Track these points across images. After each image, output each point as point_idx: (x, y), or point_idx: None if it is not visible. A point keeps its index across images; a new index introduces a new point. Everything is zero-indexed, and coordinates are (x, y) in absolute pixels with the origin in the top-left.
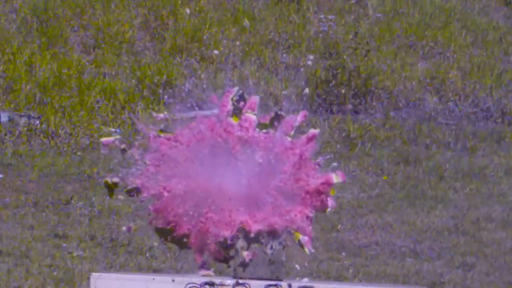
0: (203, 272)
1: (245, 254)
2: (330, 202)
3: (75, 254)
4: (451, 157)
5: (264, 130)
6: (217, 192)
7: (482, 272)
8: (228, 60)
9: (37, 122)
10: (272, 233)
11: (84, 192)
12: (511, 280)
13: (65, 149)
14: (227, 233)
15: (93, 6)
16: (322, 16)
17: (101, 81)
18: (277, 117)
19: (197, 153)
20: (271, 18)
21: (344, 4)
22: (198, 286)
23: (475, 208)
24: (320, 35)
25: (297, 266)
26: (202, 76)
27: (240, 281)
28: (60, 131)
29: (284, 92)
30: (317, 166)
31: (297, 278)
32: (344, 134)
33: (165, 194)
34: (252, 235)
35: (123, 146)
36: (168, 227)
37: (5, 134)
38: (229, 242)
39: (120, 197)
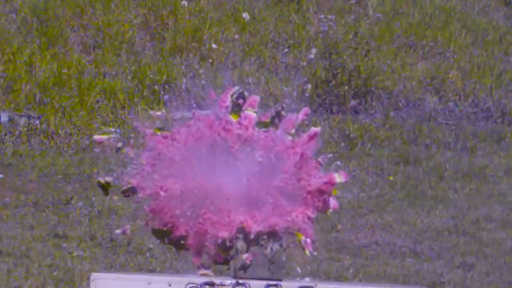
0: (202, 271)
1: (245, 256)
2: (333, 202)
3: (75, 254)
4: (451, 157)
5: (264, 129)
6: (216, 192)
7: (482, 272)
8: (228, 60)
9: (37, 122)
10: (273, 234)
11: (84, 192)
12: (511, 280)
13: (65, 149)
14: (225, 234)
15: (93, 6)
16: (322, 16)
17: (101, 81)
18: (278, 115)
19: (195, 152)
20: (271, 18)
21: (344, 4)
22: (198, 286)
23: (475, 208)
24: (320, 35)
25: (298, 269)
26: (202, 76)
27: (240, 281)
28: (60, 131)
29: (285, 89)
30: (318, 166)
31: (297, 278)
32: (344, 134)
33: (162, 194)
34: (252, 236)
35: (119, 144)
36: (165, 229)
37: (5, 134)
38: (228, 243)
39: (115, 197)
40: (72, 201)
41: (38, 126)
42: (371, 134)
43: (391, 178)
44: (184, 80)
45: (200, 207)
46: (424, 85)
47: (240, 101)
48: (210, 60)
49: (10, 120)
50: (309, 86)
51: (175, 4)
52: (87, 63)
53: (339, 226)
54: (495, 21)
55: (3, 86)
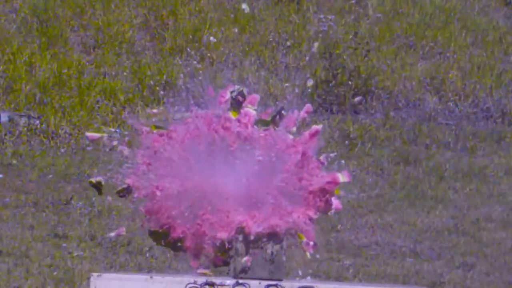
0: (201, 270)
1: (245, 259)
2: (335, 203)
3: (75, 254)
4: (451, 157)
5: (264, 127)
6: (214, 192)
7: (482, 272)
8: (228, 60)
9: (37, 122)
10: (273, 236)
11: (84, 192)
12: (511, 280)
13: (65, 149)
14: (224, 235)
15: (93, 6)
16: (322, 16)
17: (101, 81)
18: (279, 114)
19: (192, 150)
20: (271, 18)
21: (344, 4)
22: (198, 286)
23: (475, 208)
24: (320, 35)
25: (299, 272)
26: (202, 76)
27: (240, 281)
28: (60, 131)
29: (286, 84)
30: (320, 165)
31: (297, 278)
32: (344, 134)
33: (158, 194)
34: (251, 237)
35: (114, 143)
36: (162, 230)
37: (5, 134)
38: (227, 245)
39: (109, 198)
40: (72, 201)
41: (38, 126)
42: (371, 134)
43: (396, 176)
44: (182, 78)
45: (198, 207)
46: (424, 85)
47: (240, 98)
48: (210, 60)
49: (10, 120)
50: (311, 81)
51: (175, 4)
52: (87, 63)
53: (339, 226)
54: (495, 21)
55: (3, 86)
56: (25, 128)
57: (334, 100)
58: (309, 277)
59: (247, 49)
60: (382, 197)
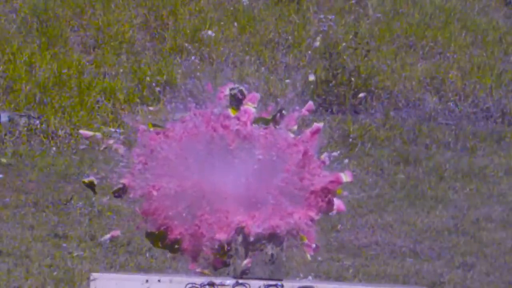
0: (200, 269)
1: (246, 262)
2: (338, 203)
3: (75, 254)
4: (451, 157)
5: (264, 126)
6: (213, 192)
7: (482, 272)
8: (228, 60)
9: (37, 122)
10: (273, 237)
11: (84, 192)
12: (511, 280)
13: (65, 149)
14: (223, 236)
15: (93, 6)
16: (322, 16)
17: (101, 81)
18: (280, 112)
19: (190, 149)
20: (271, 18)
21: (344, 4)
22: (198, 286)
23: (475, 208)
24: (320, 35)
25: (301, 274)
26: (202, 76)
27: (240, 281)
28: (60, 131)
29: (287, 81)
30: (322, 164)
31: (297, 278)
32: (344, 134)
33: (155, 194)
34: (251, 238)
35: (110, 141)
36: (159, 232)
37: (5, 134)
38: (226, 246)
39: (105, 199)
40: (72, 201)
41: (38, 126)
42: (371, 134)
43: (396, 176)
44: (182, 78)
45: (196, 208)
46: (424, 85)
47: (240, 96)
48: (210, 60)
49: (10, 120)
50: (313, 76)
51: (175, 4)
52: (87, 63)
53: (339, 226)
54: (495, 21)
55: (3, 86)
56: (25, 128)
57: (334, 100)
58: (310, 277)
59: (247, 49)
60: (382, 197)
